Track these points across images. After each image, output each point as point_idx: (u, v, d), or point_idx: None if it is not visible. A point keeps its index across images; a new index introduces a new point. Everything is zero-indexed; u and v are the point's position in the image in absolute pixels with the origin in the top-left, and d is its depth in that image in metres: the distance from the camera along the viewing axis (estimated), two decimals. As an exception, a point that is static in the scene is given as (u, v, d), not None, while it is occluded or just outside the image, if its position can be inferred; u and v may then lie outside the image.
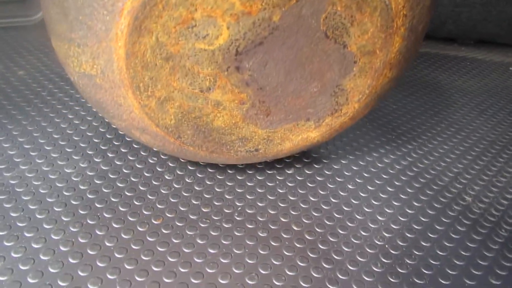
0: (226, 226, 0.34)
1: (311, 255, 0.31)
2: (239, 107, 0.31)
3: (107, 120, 0.43)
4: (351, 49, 0.30)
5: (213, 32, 0.26)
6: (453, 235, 0.35)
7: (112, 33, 0.26)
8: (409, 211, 0.37)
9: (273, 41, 0.28)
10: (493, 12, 0.83)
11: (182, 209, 0.35)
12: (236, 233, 0.33)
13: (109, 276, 0.28)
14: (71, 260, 0.29)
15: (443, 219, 0.37)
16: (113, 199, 0.35)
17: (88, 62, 0.28)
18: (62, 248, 0.30)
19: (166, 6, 0.25)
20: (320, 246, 0.32)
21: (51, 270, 0.28)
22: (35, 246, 0.30)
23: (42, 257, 0.29)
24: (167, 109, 0.30)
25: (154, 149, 0.40)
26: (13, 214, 0.32)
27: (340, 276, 0.30)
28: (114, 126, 0.39)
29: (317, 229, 0.34)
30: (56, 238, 0.30)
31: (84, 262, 0.29)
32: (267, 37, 0.28)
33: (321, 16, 0.28)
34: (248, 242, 0.32)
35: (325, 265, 0.31)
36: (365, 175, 0.41)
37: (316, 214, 0.36)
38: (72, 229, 0.32)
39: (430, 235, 0.35)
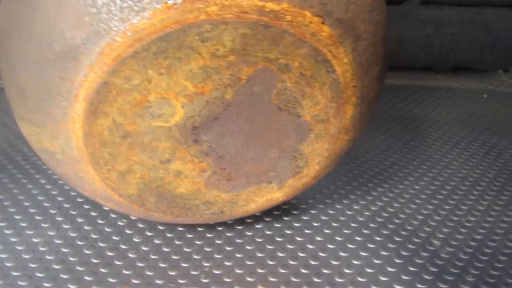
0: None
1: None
2: (200, 174, 0.32)
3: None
4: (305, 118, 0.31)
5: (168, 111, 0.27)
6: (420, 285, 0.35)
7: (69, 117, 0.27)
8: (377, 262, 0.37)
9: (228, 116, 0.29)
10: (464, 41, 0.86)
11: (148, 273, 0.35)
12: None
13: None
14: None
15: (410, 268, 0.37)
16: (79, 268, 0.35)
17: (48, 140, 0.29)
18: (24, 328, 0.30)
19: (120, 92, 0.26)
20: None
21: None
22: (-4, 327, 0.30)
23: None
24: (128, 181, 0.31)
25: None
26: (-22, 292, 0.33)
27: None
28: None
29: (283, 288, 0.34)
30: (18, 316, 0.31)
31: None
32: (221, 112, 0.29)
33: (272, 92, 0.29)
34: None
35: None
36: (334, 224, 0.42)
37: (283, 271, 0.36)
38: (36, 304, 0.32)
39: (396, 286, 0.35)
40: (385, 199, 0.46)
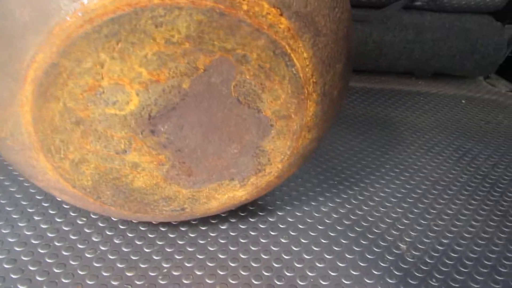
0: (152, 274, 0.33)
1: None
2: (158, 168, 0.31)
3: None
4: (265, 113, 0.30)
5: (123, 98, 0.26)
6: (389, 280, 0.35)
7: (18, 99, 0.26)
8: (341, 264, 0.37)
9: (186, 107, 0.28)
10: (444, 47, 0.86)
11: (104, 274, 0.34)
12: None
13: None
14: None
15: (374, 272, 0.36)
16: (30, 268, 0.34)
17: None
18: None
19: (70, 74, 0.25)
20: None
21: None
22: None
23: None
24: (82, 171, 0.29)
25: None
26: None
27: None
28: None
29: (242, 290, 0.33)
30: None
31: None
32: (179, 103, 0.28)
33: (231, 83, 0.28)
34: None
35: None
36: (300, 226, 0.41)
37: (244, 273, 0.35)
38: (-19, 305, 0.30)
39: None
40: (354, 201, 0.46)
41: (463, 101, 0.81)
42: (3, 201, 0.41)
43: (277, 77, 0.28)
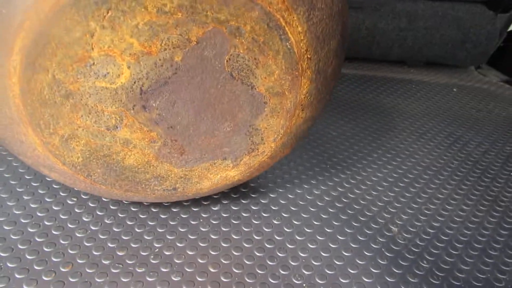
0: (139, 271, 0.32)
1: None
2: (150, 145, 0.30)
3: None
4: (259, 90, 0.30)
5: (113, 71, 0.26)
6: (374, 270, 0.35)
7: (5, 69, 0.25)
8: (333, 246, 0.37)
9: (178, 81, 0.28)
10: (437, 35, 0.86)
11: (95, 253, 0.34)
12: (148, 279, 0.32)
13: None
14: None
15: (366, 253, 0.37)
16: (20, 246, 0.33)
17: None
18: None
19: (59, 44, 0.24)
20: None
21: None
22: None
23: None
24: (72, 147, 0.29)
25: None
26: None
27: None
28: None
29: (235, 270, 0.33)
30: None
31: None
32: (171, 77, 0.27)
33: (224, 57, 0.27)
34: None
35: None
36: (292, 208, 0.41)
37: (236, 254, 0.35)
38: (-32, 283, 0.30)
39: (350, 270, 0.34)
40: (346, 185, 0.46)
41: (455, 90, 0.81)
42: (-10, 180, 0.40)
43: (271, 51, 0.28)
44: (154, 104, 0.28)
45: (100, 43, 0.24)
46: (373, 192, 0.45)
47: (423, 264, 0.36)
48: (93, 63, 0.25)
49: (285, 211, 0.41)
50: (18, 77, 0.25)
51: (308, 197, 0.43)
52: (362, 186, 0.46)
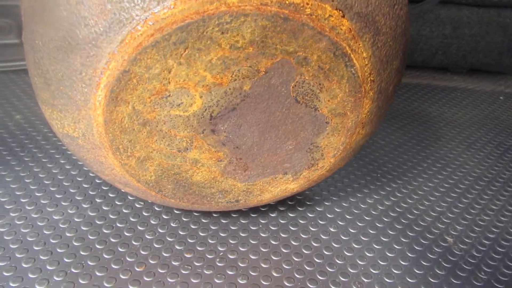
0: (207, 273, 0.34)
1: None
2: (217, 164, 0.32)
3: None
4: (322, 111, 0.31)
5: (187, 100, 0.28)
6: (432, 280, 0.35)
7: (91, 103, 0.27)
8: (390, 255, 0.38)
9: (246, 107, 0.29)
10: (482, 42, 0.85)
11: (165, 255, 0.36)
12: (216, 280, 0.34)
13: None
14: (52, 312, 0.30)
15: (423, 263, 0.37)
16: (98, 246, 0.36)
17: (70, 125, 0.30)
18: (45, 300, 0.31)
19: (140, 80, 0.26)
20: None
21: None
22: (19, 297, 0.31)
23: (24, 309, 0.30)
24: (147, 167, 0.31)
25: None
26: (1, 263, 0.33)
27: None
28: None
29: (297, 275, 0.35)
30: (39, 289, 0.32)
31: (65, 314, 0.30)
32: (239, 103, 0.29)
33: (290, 84, 0.29)
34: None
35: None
36: (348, 217, 0.42)
37: (296, 259, 0.36)
38: (56, 278, 0.32)
39: (409, 279, 0.35)
40: (399, 194, 0.47)
41: (501, 98, 0.80)
42: (66, 183, 0.43)
43: (336, 77, 0.29)
44: (222, 128, 0.30)
45: (176, 78, 0.26)
46: (426, 202, 0.46)
47: (481, 276, 0.36)
48: (169, 95, 0.27)
49: (340, 219, 0.42)
50: (102, 110, 0.27)
51: (362, 205, 0.44)
52: (414, 196, 0.47)
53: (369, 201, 0.45)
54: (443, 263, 0.37)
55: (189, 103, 0.28)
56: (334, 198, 0.45)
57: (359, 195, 0.46)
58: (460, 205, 0.46)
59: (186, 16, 0.24)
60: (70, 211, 0.39)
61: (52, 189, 0.42)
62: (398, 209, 0.44)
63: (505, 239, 0.41)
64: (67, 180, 0.44)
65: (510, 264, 0.38)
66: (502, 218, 0.44)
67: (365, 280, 0.35)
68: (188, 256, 0.36)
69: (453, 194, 0.48)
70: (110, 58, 0.25)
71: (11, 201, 0.40)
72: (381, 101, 0.32)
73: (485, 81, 0.89)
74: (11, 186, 0.42)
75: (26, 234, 0.36)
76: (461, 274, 0.36)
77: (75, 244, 0.36)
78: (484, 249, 0.40)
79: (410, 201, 0.46)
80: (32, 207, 0.40)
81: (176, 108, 0.28)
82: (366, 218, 0.42)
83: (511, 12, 0.85)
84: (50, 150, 0.49)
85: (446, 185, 0.49)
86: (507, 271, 0.37)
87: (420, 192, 0.47)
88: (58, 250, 0.35)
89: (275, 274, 0.35)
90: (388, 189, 0.47)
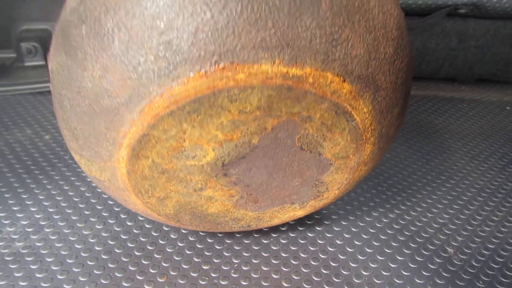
0: (223, 283, 0.38)
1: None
2: (229, 199, 0.35)
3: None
4: (326, 156, 0.33)
5: (201, 153, 0.30)
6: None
7: (115, 158, 0.30)
8: (392, 265, 0.41)
9: (254, 155, 0.32)
10: (488, 53, 0.87)
11: (184, 266, 0.39)
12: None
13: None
14: (86, 319, 0.33)
15: (424, 273, 0.40)
16: (124, 259, 0.40)
17: (96, 171, 0.33)
18: (79, 308, 0.34)
19: (158, 140, 0.29)
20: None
21: (69, 329, 0.33)
22: (56, 306, 0.35)
23: (62, 317, 0.34)
24: (166, 204, 0.34)
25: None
26: (38, 275, 0.37)
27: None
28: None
29: (305, 285, 0.38)
30: (74, 298, 0.35)
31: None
32: (248, 153, 0.31)
33: (295, 137, 0.31)
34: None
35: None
36: (353, 230, 0.45)
37: (305, 271, 0.39)
38: (88, 289, 0.36)
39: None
40: (402, 207, 0.49)
41: (508, 108, 0.81)
42: (93, 200, 0.47)
43: (338, 129, 0.31)
44: (233, 172, 0.33)
45: (190, 137, 0.29)
46: (429, 214, 0.48)
47: (479, 284, 0.39)
48: (185, 150, 0.30)
49: (346, 232, 0.45)
50: (125, 163, 0.30)
51: (367, 218, 0.47)
52: (417, 208, 0.49)
53: (374, 214, 0.48)
54: (443, 273, 0.40)
55: (203, 155, 0.30)
56: (341, 212, 0.48)
57: (364, 208, 0.49)
58: (461, 216, 0.48)
59: (198, 91, 0.26)
60: (98, 227, 0.43)
61: (80, 205, 0.46)
62: (401, 221, 0.47)
63: (504, 250, 0.43)
64: (94, 197, 0.48)
65: (508, 273, 0.40)
66: (502, 229, 0.46)
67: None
68: (205, 267, 0.39)
69: (455, 206, 0.50)
70: (131, 124, 0.28)
71: (45, 217, 0.44)
72: (382, 143, 0.35)
73: (492, 90, 0.91)
74: (44, 203, 0.47)
75: (60, 248, 0.40)
76: (460, 283, 0.39)
77: (104, 257, 0.40)
78: (483, 259, 0.42)
79: (413, 213, 0.48)
80: (64, 223, 0.44)
81: (191, 159, 0.31)
82: (371, 230, 0.45)
83: (517, 23, 0.87)
84: (77, 169, 0.53)
85: (449, 197, 0.52)
86: (504, 280, 0.40)
87: (423, 205, 0.50)
88: (89, 263, 0.39)
89: (285, 284, 0.38)
90: (392, 202, 0.50)
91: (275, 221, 0.39)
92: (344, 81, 0.28)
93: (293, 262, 0.40)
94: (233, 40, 0.25)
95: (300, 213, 0.38)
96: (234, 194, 0.35)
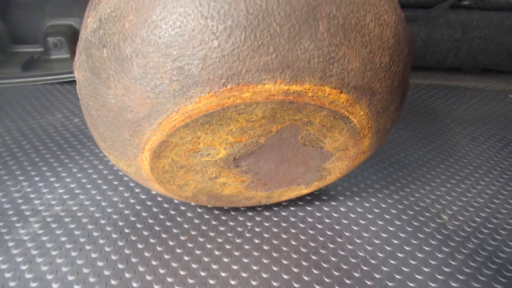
0: (238, 241, 0.42)
1: (304, 263, 0.40)
2: (241, 183, 0.40)
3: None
4: (327, 148, 0.37)
5: (214, 152, 0.35)
6: (426, 248, 0.42)
7: (139, 158, 0.35)
8: (391, 228, 0.45)
9: (262, 151, 0.36)
10: (492, 44, 0.90)
11: (203, 228, 0.44)
12: (245, 246, 0.42)
13: (147, 277, 0.37)
14: (119, 266, 0.39)
15: (420, 235, 0.44)
16: (150, 221, 0.45)
17: (124, 166, 0.37)
18: (113, 257, 0.40)
19: (176, 145, 0.33)
20: (313, 257, 0.41)
21: (106, 273, 0.38)
22: (93, 255, 0.40)
23: (99, 263, 0.39)
24: (185, 189, 0.39)
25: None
26: (76, 232, 0.43)
27: (327, 280, 0.38)
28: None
29: (314, 271, 0.42)
30: (108, 249, 0.40)
31: (128, 268, 0.38)
32: (256, 150, 0.35)
33: (299, 136, 0.35)
34: (254, 253, 0.41)
35: (315, 271, 0.39)
36: (355, 198, 0.49)
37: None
38: (120, 243, 0.41)
39: (406, 247, 0.42)
40: (403, 181, 0.53)
41: (510, 96, 0.84)
42: (121, 173, 0.52)
43: (337, 129, 0.34)
44: (243, 163, 0.37)
45: (204, 140, 0.33)
46: (427, 187, 0.52)
47: (469, 246, 0.43)
48: (199, 150, 0.34)
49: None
50: (148, 162, 0.35)
51: (369, 190, 0.51)
52: (417, 182, 0.53)
53: (376, 186, 0.52)
54: (437, 235, 0.44)
55: (216, 153, 0.35)
56: (348, 193, 0.52)
57: (368, 182, 0.53)
58: (458, 189, 0.52)
59: (209, 107, 0.29)
60: (126, 194, 0.48)
61: (110, 177, 0.52)
62: (401, 193, 0.51)
63: (496, 218, 0.47)
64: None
65: (496, 237, 0.44)
66: (495, 201, 0.50)
67: (369, 248, 0.42)
68: (222, 229, 0.44)
69: (452, 181, 0.54)
70: (151, 134, 0.32)
71: (78, 186, 0.50)
72: (380, 136, 0.37)
73: (496, 80, 0.94)
74: (77, 175, 0.52)
75: (93, 211, 0.46)
76: (452, 244, 0.43)
77: (132, 219, 0.45)
78: (475, 225, 0.46)
79: (412, 186, 0.52)
80: (96, 191, 0.49)
81: (206, 157, 0.35)
82: (372, 200, 0.49)
83: (520, 14, 0.90)
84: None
85: (447, 173, 0.56)
86: (493, 242, 0.43)
87: (422, 179, 0.54)
88: (120, 223, 0.44)
89: (293, 243, 0.42)
90: (394, 176, 0.54)
91: (284, 198, 0.43)
92: (341, 92, 0.31)
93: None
94: (238, 65, 0.28)
95: (306, 191, 0.43)
96: (245, 180, 0.39)
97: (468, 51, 0.91)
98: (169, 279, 0.37)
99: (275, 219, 0.46)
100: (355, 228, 0.45)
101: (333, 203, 0.49)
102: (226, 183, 0.39)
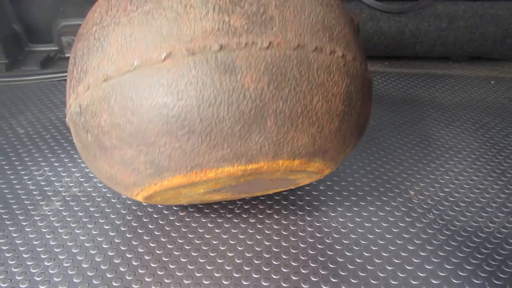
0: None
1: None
2: (225, 195, 0.45)
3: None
4: (294, 179, 0.42)
5: (195, 191, 0.40)
6: (402, 224, 0.49)
7: (135, 198, 0.41)
8: (361, 203, 0.51)
9: (237, 187, 0.41)
10: (477, 33, 0.95)
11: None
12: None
13: (151, 244, 0.45)
14: (127, 235, 0.46)
15: (386, 208, 0.51)
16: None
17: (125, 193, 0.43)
18: (122, 228, 0.47)
19: (160, 195, 0.39)
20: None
21: (116, 240, 0.45)
22: (106, 227, 0.47)
23: (110, 233, 0.46)
24: (178, 202, 0.46)
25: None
26: (91, 209, 0.50)
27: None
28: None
29: (312, 264, 0.49)
30: (118, 222, 0.48)
31: (135, 237, 0.46)
32: (233, 186, 0.40)
33: (267, 180, 0.41)
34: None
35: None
36: (337, 178, 0.56)
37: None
38: (128, 217, 0.49)
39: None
40: (379, 162, 0.60)
41: (492, 82, 0.89)
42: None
43: (298, 173, 0.39)
44: (223, 190, 0.42)
45: (184, 192, 0.39)
46: (400, 167, 0.59)
47: (439, 221, 0.49)
48: (181, 194, 0.40)
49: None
50: (142, 201, 0.41)
51: (347, 170, 0.58)
52: (391, 162, 0.60)
53: (354, 167, 0.58)
54: (402, 208, 0.51)
55: (197, 192, 0.41)
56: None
57: (352, 159, 0.59)
58: (428, 168, 0.58)
59: (181, 183, 0.35)
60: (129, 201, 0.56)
61: (119, 162, 0.59)
62: (376, 173, 0.57)
63: (468, 197, 0.54)
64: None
65: (467, 214, 0.51)
66: (470, 181, 0.56)
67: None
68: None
69: (424, 161, 0.60)
70: (139, 192, 0.38)
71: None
72: (344, 156, 0.41)
73: (482, 67, 0.98)
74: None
75: (106, 192, 0.53)
76: (423, 220, 0.49)
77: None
78: (438, 199, 0.52)
79: (386, 163, 0.59)
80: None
81: (188, 192, 0.41)
82: (349, 179, 0.56)
83: (504, 4, 0.94)
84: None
85: (420, 154, 0.62)
86: (463, 218, 0.50)
87: (397, 160, 0.60)
88: (128, 202, 0.51)
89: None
90: (371, 158, 0.61)
91: (265, 193, 0.50)
92: (293, 160, 0.35)
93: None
94: (199, 159, 0.33)
95: (284, 190, 0.49)
96: (228, 195, 0.45)
97: (454, 40, 0.96)
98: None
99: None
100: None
101: (314, 193, 0.55)
102: (212, 197, 0.45)
